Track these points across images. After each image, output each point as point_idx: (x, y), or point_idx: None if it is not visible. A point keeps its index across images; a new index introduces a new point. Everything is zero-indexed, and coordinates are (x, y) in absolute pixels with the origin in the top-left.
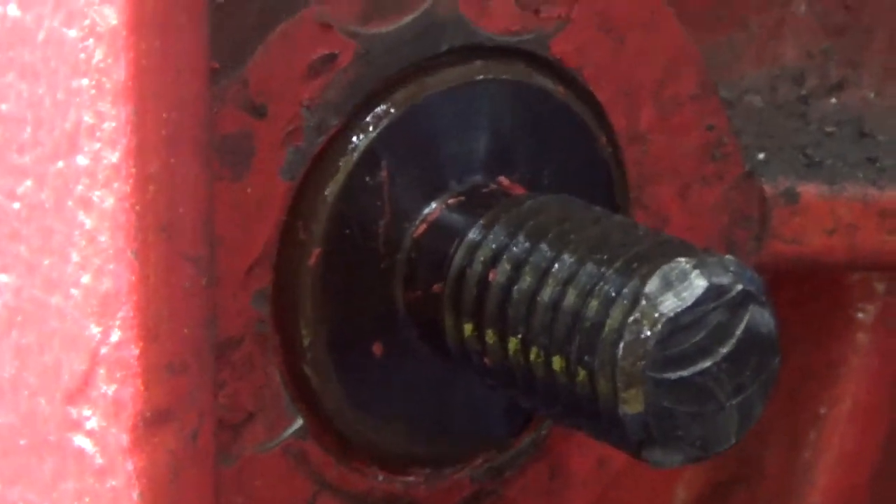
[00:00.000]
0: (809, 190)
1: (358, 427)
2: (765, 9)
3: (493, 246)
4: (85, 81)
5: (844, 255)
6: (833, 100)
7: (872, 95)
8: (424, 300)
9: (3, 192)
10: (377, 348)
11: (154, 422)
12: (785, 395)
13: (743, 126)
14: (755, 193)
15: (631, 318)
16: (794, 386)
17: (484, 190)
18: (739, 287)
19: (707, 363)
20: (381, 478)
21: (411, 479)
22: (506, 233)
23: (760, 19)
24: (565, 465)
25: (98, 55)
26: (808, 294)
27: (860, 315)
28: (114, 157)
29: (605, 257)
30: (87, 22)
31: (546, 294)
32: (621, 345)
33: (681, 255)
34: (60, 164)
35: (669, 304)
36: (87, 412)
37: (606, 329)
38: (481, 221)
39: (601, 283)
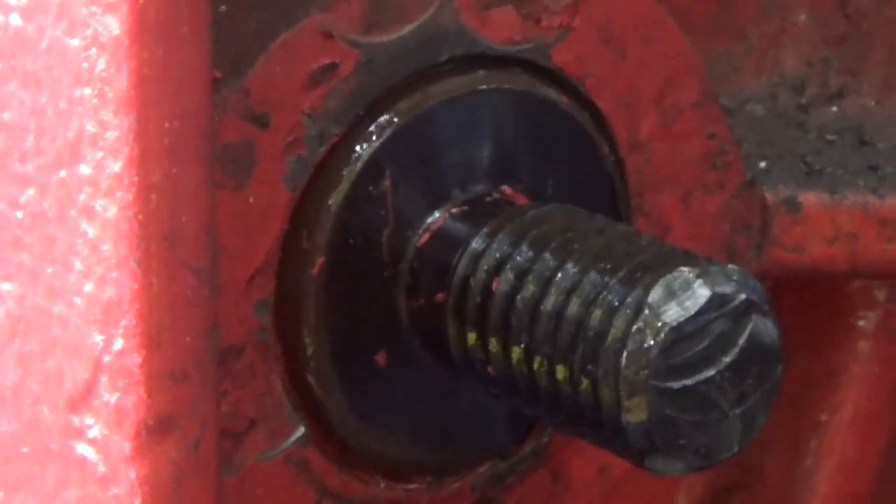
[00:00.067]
0: (810, 198)
1: (361, 436)
2: (765, 18)
3: (497, 255)
4: (87, 90)
5: (845, 263)
6: (833, 108)
7: (872, 104)
8: (428, 309)
9: (5, 200)
10: (381, 357)
11: (156, 430)
12: (786, 403)
13: (744, 135)
14: (756, 202)
15: (634, 328)
16: (795, 393)
17: (487, 199)
18: (742, 296)
19: (710, 372)
20: (382, 485)
21: (413, 486)
22: (509, 242)
23: (761, 28)
24: (566, 473)
25: (100, 64)
26: (808, 302)
27: (861, 323)
28: (116, 166)
29: (609, 267)
30: (89, 31)
31: (549, 303)
32: (624, 354)
33: (684, 265)
34: (63, 172)
35: (672, 314)
36: (89, 420)
37: (610, 338)
38: (485, 230)
39: (604, 293)
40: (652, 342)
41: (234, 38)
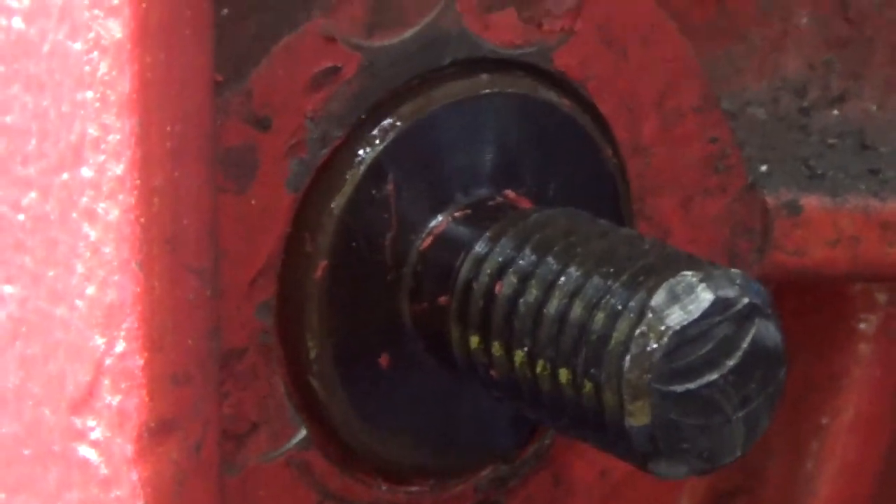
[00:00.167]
0: (812, 202)
1: (364, 439)
2: (767, 21)
3: (500, 259)
4: (90, 94)
5: (846, 266)
6: (835, 112)
7: (874, 107)
8: (431, 313)
9: (8, 203)
10: (384, 360)
11: (158, 432)
12: (787, 406)
13: (745, 138)
14: (758, 205)
15: (637, 331)
16: (796, 396)
17: (490, 203)
18: (745, 300)
19: (713, 376)
20: (384, 488)
21: (415, 489)
22: (512, 246)
23: (762, 32)
24: (568, 476)
25: (103, 68)
26: (810, 305)
27: (862, 326)
28: (118, 169)
29: (612, 270)
30: (91, 35)
31: (552, 307)
32: (628, 357)
33: (687, 269)
34: (65, 175)
35: (676, 317)
36: (91, 422)
37: (613, 342)
38: (487, 234)
39: (607, 296)
40: (655, 346)
41: (236, 41)
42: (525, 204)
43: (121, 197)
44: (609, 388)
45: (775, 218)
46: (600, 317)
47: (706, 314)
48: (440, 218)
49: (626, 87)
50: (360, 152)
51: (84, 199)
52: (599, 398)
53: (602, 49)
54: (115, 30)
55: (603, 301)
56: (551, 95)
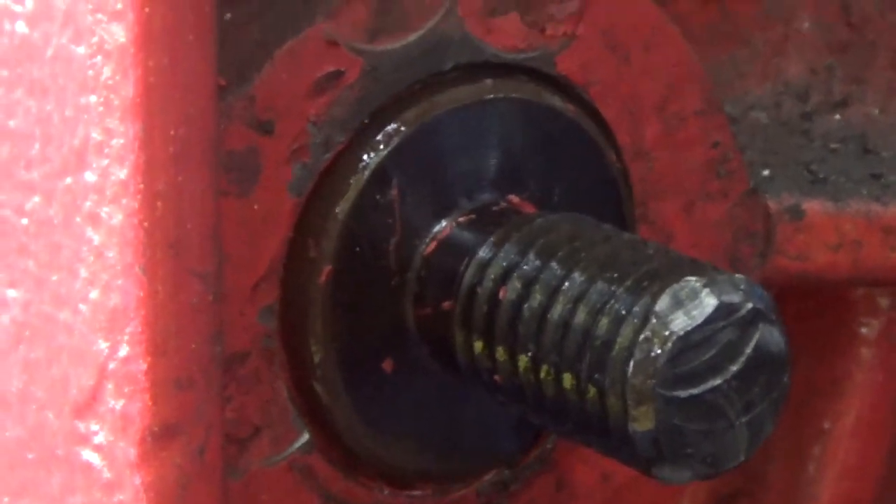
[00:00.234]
0: (814, 206)
1: (367, 443)
2: (769, 25)
3: (504, 264)
4: (93, 98)
5: (849, 270)
6: (837, 116)
7: (876, 112)
8: (435, 317)
9: (11, 207)
10: (387, 365)
11: (162, 436)
12: (789, 410)
13: (747, 142)
14: (760, 210)
15: (641, 337)
16: (798, 400)
17: (494, 208)
18: (749, 305)
19: (717, 381)
20: (387, 492)
21: (418, 493)
22: (516, 251)
23: (764, 36)
24: (570, 480)
25: (106, 72)
26: (812, 310)
27: (864, 330)
28: (122, 173)
29: (616, 275)
30: (95, 39)
31: (556, 312)
32: (631, 362)
33: (691, 274)
34: (69, 180)
35: (680, 323)
36: (94, 426)
37: (617, 347)
38: (492, 239)
39: (611, 302)
40: (659, 351)
41: (239, 45)
42: (529, 209)
43: (124, 201)
44: (613, 393)
45: (777, 222)
46: (604, 322)
47: (710, 319)
48: (444, 223)
49: (629, 92)
50: (364, 157)
51: (87, 204)
52: (603, 403)
53: (605, 53)
54: (119, 34)
55: (607, 306)
56: (554, 100)
